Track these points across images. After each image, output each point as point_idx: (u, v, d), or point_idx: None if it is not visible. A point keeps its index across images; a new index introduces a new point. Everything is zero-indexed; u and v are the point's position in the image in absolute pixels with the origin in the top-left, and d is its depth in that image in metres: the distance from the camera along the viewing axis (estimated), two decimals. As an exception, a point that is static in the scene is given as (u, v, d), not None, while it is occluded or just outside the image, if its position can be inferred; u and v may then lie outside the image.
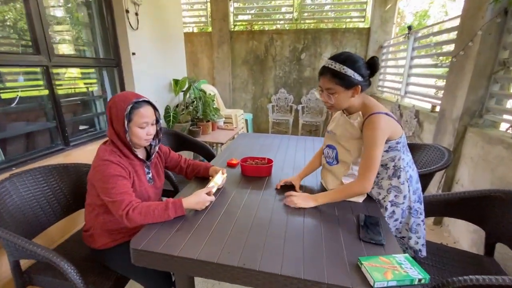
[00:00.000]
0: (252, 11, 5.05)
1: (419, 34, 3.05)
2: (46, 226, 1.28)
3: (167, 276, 1.10)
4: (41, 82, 1.54)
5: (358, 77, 1.00)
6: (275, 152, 1.77)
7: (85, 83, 2.03)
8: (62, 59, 1.63)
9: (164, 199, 1.09)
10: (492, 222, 1.24)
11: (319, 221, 0.99)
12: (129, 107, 1.02)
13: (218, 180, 1.15)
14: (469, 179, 1.89)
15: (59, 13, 1.80)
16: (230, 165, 1.52)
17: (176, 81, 2.60)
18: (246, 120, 4.50)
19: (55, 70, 1.55)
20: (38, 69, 1.50)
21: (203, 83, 3.17)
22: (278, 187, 1.25)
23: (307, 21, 4.91)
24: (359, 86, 1.01)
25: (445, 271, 1.18)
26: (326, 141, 1.23)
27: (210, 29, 4.98)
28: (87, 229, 1.15)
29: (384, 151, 1.05)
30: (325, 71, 1.02)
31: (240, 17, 5.10)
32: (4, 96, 1.49)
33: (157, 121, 1.15)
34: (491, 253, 1.27)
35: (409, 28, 3.13)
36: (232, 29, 4.92)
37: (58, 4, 1.80)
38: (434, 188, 2.18)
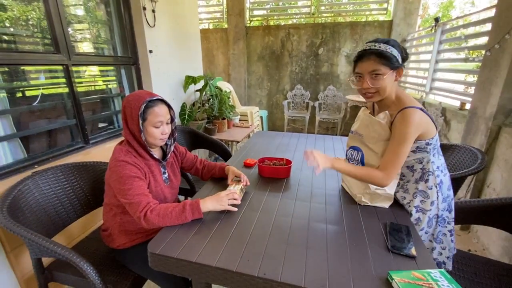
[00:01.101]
0: (268, 6, 4.95)
1: (447, 26, 2.86)
2: (67, 224, 1.30)
3: (184, 279, 1.09)
4: (61, 80, 1.56)
5: (400, 60, 0.95)
6: (292, 152, 1.71)
7: (103, 81, 2.05)
8: (81, 58, 1.65)
9: (181, 197, 1.07)
10: (531, 232, 1.14)
11: (343, 227, 0.93)
12: (143, 106, 1.00)
13: (239, 185, 1.12)
14: (502, 183, 1.75)
15: (78, 11, 1.81)
16: (247, 165, 1.48)
17: (188, 77, 2.58)
18: (261, 117, 4.44)
19: (74, 69, 1.57)
20: (58, 68, 1.52)
21: (219, 80, 3.14)
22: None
23: (325, 14, 4.76)
24: (403, 68, 0.96)
25: (477, 284, 1.09)
26: (350, 142, 1.16)
27: (225, 25, 4.95)
28: (105, 229, 1.15)
29: (411, 151, 0.97)
30: (367, 53, 0.96)
31: (256, 12, 5.02)
32: (27, 94, 1.53)
33: (172, 120, 1.12)
34: (530, 265, 1.17)
35: (436, 20, 2.95)
36: (248, 25, 4.85)
37: (78, 2, 1.81)
38: (463, 192, 2.05)
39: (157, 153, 1.14)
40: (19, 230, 0.95)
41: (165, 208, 0.94)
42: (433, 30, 2.98)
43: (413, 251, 0.80)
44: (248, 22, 4.87)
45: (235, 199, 1.03)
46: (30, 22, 1.48)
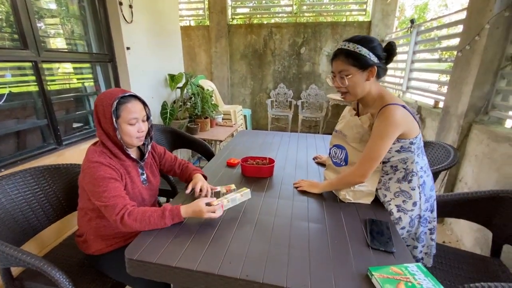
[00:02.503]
0: (251, 4, 4.93)
1: (422, 28, 2.98)
2: (38, 230, 1.22)
3: (166, 284, 1.06)
4: (30, 78, 1.46)
5: (373, 58, 0.93)
6: (276, 151, 1.71)
7: (77, 79, 1.95)
8: (52, 54, 1.56)
9: (162, 199, 1.03)
10: (499, 223, 1.20)
11: (325, 225, 0.94)
12: (115, 103, 0.95)
13: (232, 199, 1.00)
14: (473, 177, 1.85)
15: (50, 5, 1.71)
16: (230, 165, 1.47)
17: (172, 76, 2.52)
18: (245, 116, 4.43)
19: (45, 66, 1.48)
20: (27, 64, 1.42)
21: (201, 78, 3.09)
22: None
23: (307, 14, 4.81)
24: (375, 68, 0.94)
25: (452, 275, 1.14)
26: (333, 140, 1.17)
27: (207, 22, 4.87)
28: (80, 234, 1.09)
29: (395, 151, 0.99)
30: (338, 53, 0.97)
31: (239, 10, 4.99)
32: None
33: (148, 117, 1.08)
34: (498, 254, 1.24)
35: (412, 21, 3.06)
36: (230, 23, 4.81)
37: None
38: (437, 186, 2.15)
39: (134, 153, 1.10)
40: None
41: (143, 212, 0.91)
42: (409, 31, 3.10)
43: (391, 247, 0.82)
44: (231, 20, 4.83)
45: (214, 212, 0.94)
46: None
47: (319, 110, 4.63)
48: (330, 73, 1.04)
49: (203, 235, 0.88)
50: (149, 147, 1.15)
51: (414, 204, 1.02)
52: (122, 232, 1.06)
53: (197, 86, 2.67)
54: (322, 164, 1.48)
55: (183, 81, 2.56)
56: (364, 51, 0.92)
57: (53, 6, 1.73)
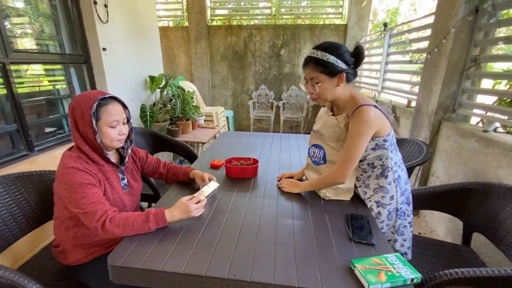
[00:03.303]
0: (230, 5, 4.93)
1: (394, 31, 3.13)
2: (11, 242, 1.15)
3: None
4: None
5: (342, 64, 0.97)
6: (259, 151, 1.73)
7: (50, 81, 1.85)
8: (22, 55, 1.47)
9: (144, 204, 1.01)
10: (469, 213, 1.30)
11: (309, 222, 0.97)
12: (95, 105, 0.93)
13: (207, 190, 1.08)
14: (444, 171, 1.97)
15: (16, 3, 1.61)
16: (214, 167, 1.46)
17: (152, 78, 2.46)
18: (227, 118, 4.41)
19: (13, 67, 1.39)
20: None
21: (181, 79, 3.04)
22: (279, 179, 1.32)
23: (285, 16, 4.89)
24: (344, 74, 0.98)
25: (428, 263, 1.21)
26: (312, 140, 1.21)
27: (186, 23, 4.81)
28: (57, 245, 1.04)
29: (371, 149, 1.04)
30: (308, 60, 1.00)
31: (218, 12, 4.97)
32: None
33: (128, 120, 1.06)
34: (468, 242, 1.33)
35: (385, 25, 3.21)
36: (210, 24, 4.78)
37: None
38: (412, 181, 2.27)
39: (113, 158, 1.07)
40: None
41: (126, 218, 0.88)
42: (382, 34, 3.25)
43: (372, 239, 0.86)
44: (210, 21, 4.80)
45: (200, 207, 0.98)
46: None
47: (300, 111, 4.72)
48: (304, 79, 1.07)
49: (189, 237, 0.87)
50: (129, 150, 1.12)
51: (392, 198, 1.08)
52: (102, 240, 1.02)
53: (178, 88, 2.63)
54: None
55: (163, 82, 2.52)
56: (332, 58, 0.96)
57: (20, 4, 1.63)
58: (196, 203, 0.96)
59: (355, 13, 4.27)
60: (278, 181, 1.29)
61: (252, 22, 4.87)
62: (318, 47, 0.99)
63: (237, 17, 4.97)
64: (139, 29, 2.39)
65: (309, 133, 1.27)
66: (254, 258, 0.78)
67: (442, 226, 1.96)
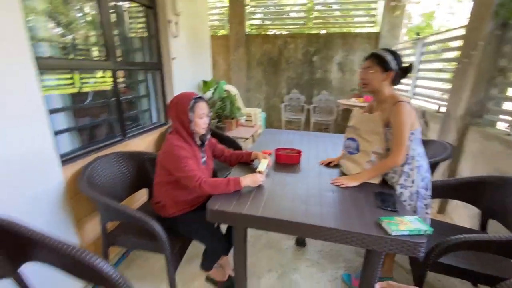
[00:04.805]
0: (267, 16, 5.34)
1: (427, 41, 3.29)
2: (122, 199, 1.58)
3: (221, 237, 1.39)
4: (109, 82, 1.84)
5: (394, 66, 1.28)
6: (298, 145, 2.03)
7: (134, 83, 2.33)
8: (122, 63, 1.93)
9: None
10: (486, 202, 1.50)
11: (346, 196, 1.26)
12: (192, 102, 1.31)
13: (263, 165, 1.41)
14: (469, 171, 2.14)
15: (120, 23, 2.09)
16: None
17: (205, 82, 2.89)
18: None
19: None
20: (107, 72, 1.81)
21: (223, 84, 3.44)
22: (321, 163, 1.62)
23: (319, 26, 5.17)
24: (392, 73, 1.29)
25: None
26: (347, 134, 1.50)
27: (224, 32, 5.29)
28: (158, 202, 1.43)
29: None
30: (371, 54, 1.34)
31: (256, 22, 5.39)
32: (83, 90, 1.82)
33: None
34: (485, 228, 1.53)
35: (417, 34, 3.37)
36: (249, 33, 5.20)
37: (120, 17, 2.10)
38: (438, 179, 2.43)
39: (198, 141, 1.45)
40: (100, 197, 1.24)
41: (214, 181, 1.24)
42: (415, 44, 3.41)
43: (395, 207, 1.14)
44: (249, 30, 5.22)
45: (263, 177, 1.33)
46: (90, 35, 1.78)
47: (330, 114, 4.94)
48: (361, 68, 1.39)
49: (257, 200, 1.20)
50: (208, 136, 1.50)
51: (413, 181, 1.33)
52: (190, 200, 1.40)
53: (225, 91, 3.03)
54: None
55: (214, 86, 2.93)
56: (388, 57, 1.28)
57: (122, 24, 2.12)
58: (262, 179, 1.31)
59: (388, 22, 4.43)
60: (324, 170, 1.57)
61: (287, 32, 5.22)
62: (382, 49, 1.34)
63: (273, 26, 5.35)
64: (196, 41, 2.83)
65: (339, 134, 1.55)
66: (306, 213, 1.10)
67: (466, 222, 2.12)
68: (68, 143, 1.60)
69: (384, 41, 4.52)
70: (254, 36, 5.18)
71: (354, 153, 1.45)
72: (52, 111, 1.43)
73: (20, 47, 1.13)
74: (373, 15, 4.70)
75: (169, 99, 2.42)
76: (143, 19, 2.22)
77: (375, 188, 1.34)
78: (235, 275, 1.36)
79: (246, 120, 3.56)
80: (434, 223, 1.54)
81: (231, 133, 2.96)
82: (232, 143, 2.36)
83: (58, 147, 1.36)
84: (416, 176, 1.34)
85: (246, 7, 5.04)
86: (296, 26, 5.18)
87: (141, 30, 2.26)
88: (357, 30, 5.04)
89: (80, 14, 1.84)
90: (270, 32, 5.42)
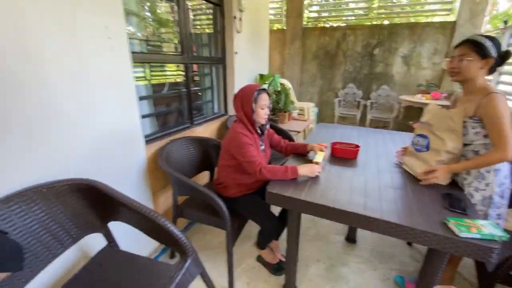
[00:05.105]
0: (326, 8, 5.18)
1: (518, 29, 2.82)
2: (191, 177, 1.80)
3: (275, 220, 1.48)
4: (182, 74, 2.07)
5: (493, 52, 1.16)
6: (355, 141, 2.00)
7: (199, 76, 2.56)
8: (193, 57, 2.15)
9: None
10: None
11: (409, 194, 1.21)
12: (256, 93, 1.41)
13: (319, 157, 1.46)
14: None
15: (192, 21, 2.32)
16: (320, 147, 1.82)
17: (262, 76, 3.00)
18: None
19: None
20: (181, 65, 2.05)
21: (278, 77, 3.51)
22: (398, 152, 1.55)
23: (383, 15, 4.82)
24: (491, 60, 1.17)
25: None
26: (417, 131, 1.42)
27: (278, 26, 5.31)
28: (220, 183, 1.59)
29: (483, 135, 1.19)
30: (465, 41, 1.22)
31: (314, 14, 5.29)
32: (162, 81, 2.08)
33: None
34: None
35: (505, 22, 2.92)
36: (305, 25, 5.14)
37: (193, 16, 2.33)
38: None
39: (258, 130, 1.55)
40: (176, 173, 1.44)
41: (273, 167, 1.34)
42: (502, 33, 2.96)
43: (466, 209, 1.07)
44: (306, 23, 5.16)
45: (320, 169, 1.38)
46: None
47: (389, 111, 4.62)
48: (450, 57, 1.28)
49: (313, 189, 1.25)
50: (268, 126, 1.59)
51: (487, 185, 1.21)
52: (250, 183, 1.53)
53: (281, 84, 3.10)
54: None
55: (270, 79, 3.02)
56: (488, 43, 1.16)
57: (196, 22, 2.35)
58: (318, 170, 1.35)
59: (468, 9, 3.90)
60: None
61: (346, 23, 5.00)
62: (479, 34, 1.21)
63: (332, 18, 5.18)
64: (256, 36, 2.94)
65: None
66: (365, 206, 1.11)
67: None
68: (148, 126, 1.87)
69: (461, 31, 4.00)
70: (310, 29, 5.09)
71: (423, 151, 1.37)
72: (140, 98, 1.69)
73: (122, 44, 1.37)
74: (450, 2, 4.19)
75: (229, 92, 2.60)
76: (211, 16, 2.41)
77: (442, 189, 1.27)
78: (287, 256, 1.45)
79: (298, 114, 3.57)
80: (508, 233, 1.38)
81: (283, 126, 3.02)
82: (286, 135, 2.42)
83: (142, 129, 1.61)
84: (492, 179, 1.22)
85: (305, 0, 4.97)
86: (355, 18, 4.92)
87: (209, 26, 2.46)
88: (428, 20, 4.56)
89: (162, 14, 2.11)
90: (327, 25, 5.27)
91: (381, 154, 1.74)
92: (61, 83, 1.12)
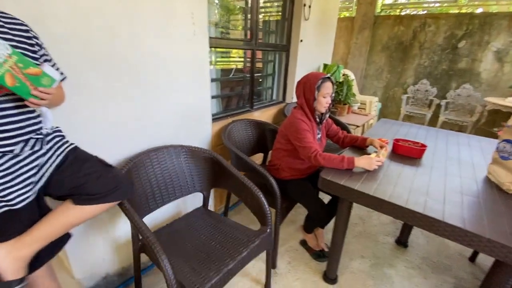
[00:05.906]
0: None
1: None
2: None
3: (323, 206, 1.51)
4: (248, 60, 2.19)
5: None
6: (422, 141, 1.84)
7: (263, 63, 2.65)
8: (261, 45, 2.23)
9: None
10: None
11: (480, 202, 1.10)
12: (320, 81, 1.42)
13: (384, 152, 1.43)
14: None
15: (264, 9, 2.40)
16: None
17: (325, 65, 2.93)
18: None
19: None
20: (248, 51, 2.16)
21: (342, 68, 3.36)
22: None
23: (477, 2, 4.14)
24: None
25: None
26: (504, 136, 1.26)
27: (345, 14, 5.00)
28: (273, 164, 1.67)
29: None
30: None
31: (389, 1, 4.84)
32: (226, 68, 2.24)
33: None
34: None
35: None
36: (378, 13, 4.75)
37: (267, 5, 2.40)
38: None
39: (317, 119, 1.57)
40: (237, 150, 1.57)
41: (329, 155, 1.35)
42: None
43: (552, 229, 0.94)
44: (379, 11, 4.77)
45: (380, 163, 1.35)
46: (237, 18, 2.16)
47: (468, 114, 4.04)
48: None
49: (368, 183, 1.23)
50: (327, 115, 1.60)
51: None
52: (303, 168, 1.58)
53: (343, 75, 2.99)
54: None
55: (334, 69, 2.94)
56: None
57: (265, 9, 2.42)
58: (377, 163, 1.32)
59: None
60: None
61: (427, 11, 4.45)
62: None
63: (409, 5, 4.66)
64: (323, 24, 2.86)
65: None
66: (426, 204, 1.06)
67: None
68: (214, 106, 2.05)
69: None
70: (383, 17, 4.68)
71: (510, 159, 1.22)
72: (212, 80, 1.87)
73: (203, 29, 1.52)
74: None
75: (290, 80, 2.64)
76: (281, 3, 2.44)
77: (523, 203, 1.12)
78: (332, 242, 1.47)
79: (359, 108, 3.40)
80: None
81: (341, 119, 2.93)
82: (344, 128, 2.36)
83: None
84: None
85: (381, -15, 4.58)
86: (440, 5, 4.33)
87: (277, 13, 2.50)
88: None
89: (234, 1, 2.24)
90: (403, 13, 4.77)
91: (453, 157, 1.59)
92: (157, 66, 1.34)
